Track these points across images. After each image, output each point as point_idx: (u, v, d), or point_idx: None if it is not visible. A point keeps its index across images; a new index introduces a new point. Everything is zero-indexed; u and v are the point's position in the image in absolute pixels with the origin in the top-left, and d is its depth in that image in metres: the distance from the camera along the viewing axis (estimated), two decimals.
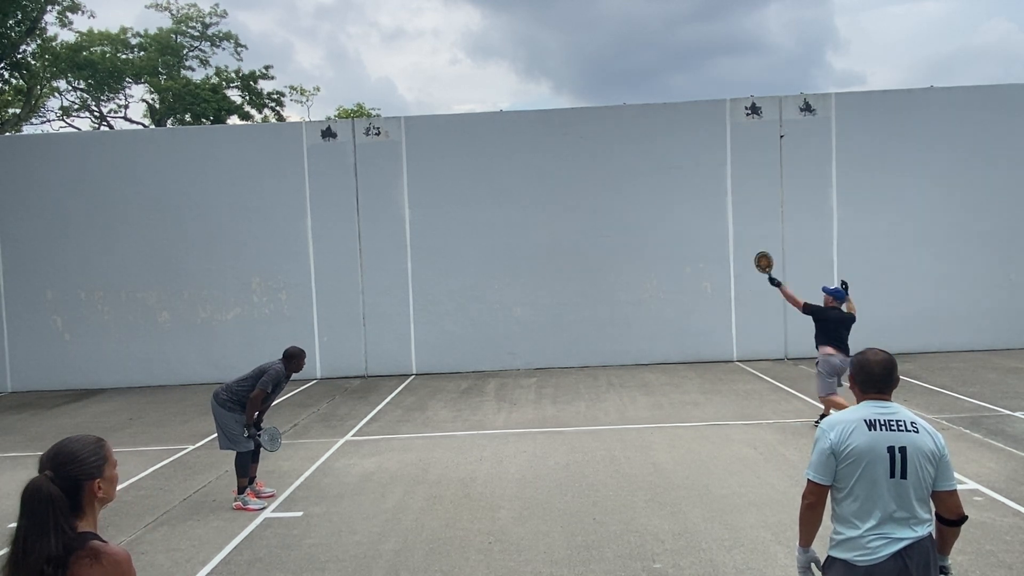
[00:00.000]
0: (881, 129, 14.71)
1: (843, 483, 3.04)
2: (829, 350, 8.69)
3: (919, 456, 2.99)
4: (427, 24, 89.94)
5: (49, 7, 24.22)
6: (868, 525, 2.98)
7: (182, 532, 6.49)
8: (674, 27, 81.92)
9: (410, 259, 15.10)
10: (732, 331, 14.88)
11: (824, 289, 9.11)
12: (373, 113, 37.22)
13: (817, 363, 8.85)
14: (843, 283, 9.18)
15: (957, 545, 5.43)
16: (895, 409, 3.09)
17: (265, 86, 34.33)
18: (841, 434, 3.04)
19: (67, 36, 28.43)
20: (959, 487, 6.54)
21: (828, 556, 3.11)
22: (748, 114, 14.84)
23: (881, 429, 3.02)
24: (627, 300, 14.98)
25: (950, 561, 3.20)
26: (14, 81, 26.83)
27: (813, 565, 3.20)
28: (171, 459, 9.08)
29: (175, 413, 12.14)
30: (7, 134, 24.36)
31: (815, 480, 3.08)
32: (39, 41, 25.76)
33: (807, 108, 14.79)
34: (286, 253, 15.11)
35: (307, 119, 21.40)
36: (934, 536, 3.06)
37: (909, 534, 2.96)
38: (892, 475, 2.97)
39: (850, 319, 8.87)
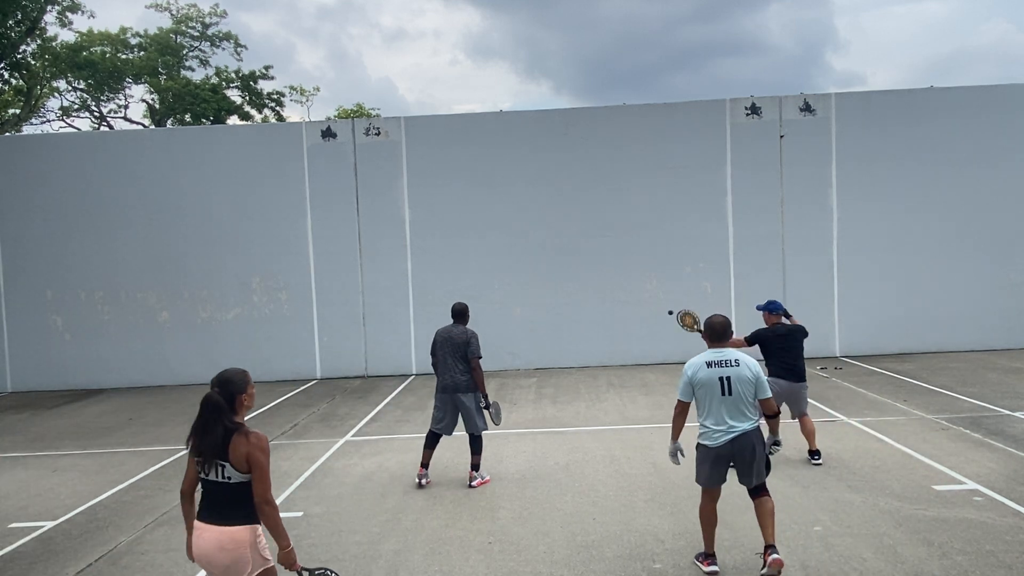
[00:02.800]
0: (881, 129, 14.71)
1: (699, 401, 5.08)
2: (779, 381, 7.64)
3: (739, 381, 4.97)
4: (428, 25, 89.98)
5: (49, 7, 24.22)
6: (712, 423, 5.04)
7: (182, 532, 6.47)
8: (674, 28, 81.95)
9: (410, 259, 15.10)
10: (732, 331, 14.86)
11: (759, 307, 8.23)
12: (373, 113, 37.23)
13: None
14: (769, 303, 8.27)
15: (956, 545, 5.46)
16: (726, 353, 5.08)
17: (265, 86, 34.37)
18: (694, 371, 5.04)
19: (67, 36, 28.46)
20: (959, 487, 6.57)
21: (697, 443, 5.18)
22: (748, 114, 14.84)
23: (715, 367, 5.00)
24: (627, 300, 14.98)
25: (780, 437, 6.21)
26: (14, 81, 26.83)
27: (679, 452, 5.34)
28: (171, 459, 9.08)
29: (175, 413, 12.13)
30: (7, 134, 24.36)
31: (681, 399, 5.18)
32: (39, 41, 25.76)
33: (807, 108, 14.79)
34: (286, 253, 15.11)
35: (307, 119, 21.40)
36: (760, 429, 5.12)
37: (739, 426, 4.98)
38: (723, 394, 4.97)
39: (800, 332, 7.97)
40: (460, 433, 9.72)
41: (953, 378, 12.00)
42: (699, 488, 5.30)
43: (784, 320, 8.10)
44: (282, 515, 6.69)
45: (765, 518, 5.05)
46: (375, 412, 11.44)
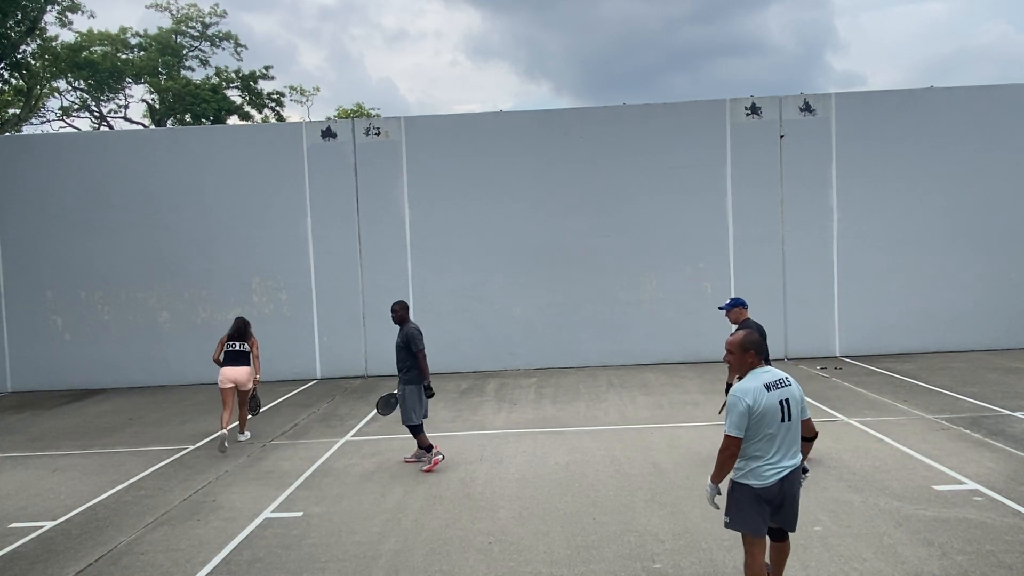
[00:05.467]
0: (881, 129, 14.71)
1: (755, 432, 4.12)
2: None
3: (795, 402, 4.19)
4: (429, 26, 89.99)
5: (49, 7, 24.20)
6: (767, 458, 4.14)
7: (182, 532, 6.49)
8: (674, 28, 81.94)
9: (410, 259, 15.09)
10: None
11: (730, 306, 7.86)
12: (373, 113, 37.23)
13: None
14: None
15: (956, 545, 5.46)
16: (773, 370, 4.26)
17: (265, 86, 34.37)
18: (756, 398, 4.09)
19: (67, 36, 28.48)
20: (959, 487, 6.56)
21: (733, 482, 4.25)
22: (748, 114, 14.84)
23: (775, 389, 4.16)
24: (627, 300, 14.98)
25: (807, 464, 4.58)
26: (14, 81, 26.83)
27: (716, 499, 4.39)
28: (171, 459, 9.08)
29: (175, 413, 12.13)
30: (7, 134, 24.36)
31: (737, 436, 4.11)
32: (39, 41, 25.75)
33: (807, 108, 14.79)
34: (286, 253, 15.11)
35: (307, 119, 21.40)
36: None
37: (789, 462, 4.18)
38: (783, 420, 4.13)
39: (762, 330, 7.48)
40: (460, 433, 9.74)
41: (953, 378, 12.00)
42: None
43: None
44: (282, 515, 6.74)
45: (782, 561, 4.65)
46: (375, 412, 11.42)
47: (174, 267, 15.17)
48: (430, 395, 8.16)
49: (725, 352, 4.36)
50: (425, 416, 8.20)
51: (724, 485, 4.36)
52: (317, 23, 74.61)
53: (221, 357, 9.45)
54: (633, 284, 14.98)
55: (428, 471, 7.91)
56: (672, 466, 7.76)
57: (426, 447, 8.09)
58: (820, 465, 7.58)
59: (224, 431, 9.19)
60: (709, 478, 4.38)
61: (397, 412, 8.32)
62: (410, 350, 8.08)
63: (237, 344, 9.52)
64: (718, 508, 4.46)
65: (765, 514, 4.23)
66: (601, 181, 14.94)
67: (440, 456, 8.10)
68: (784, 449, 4.16)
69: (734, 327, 8.06)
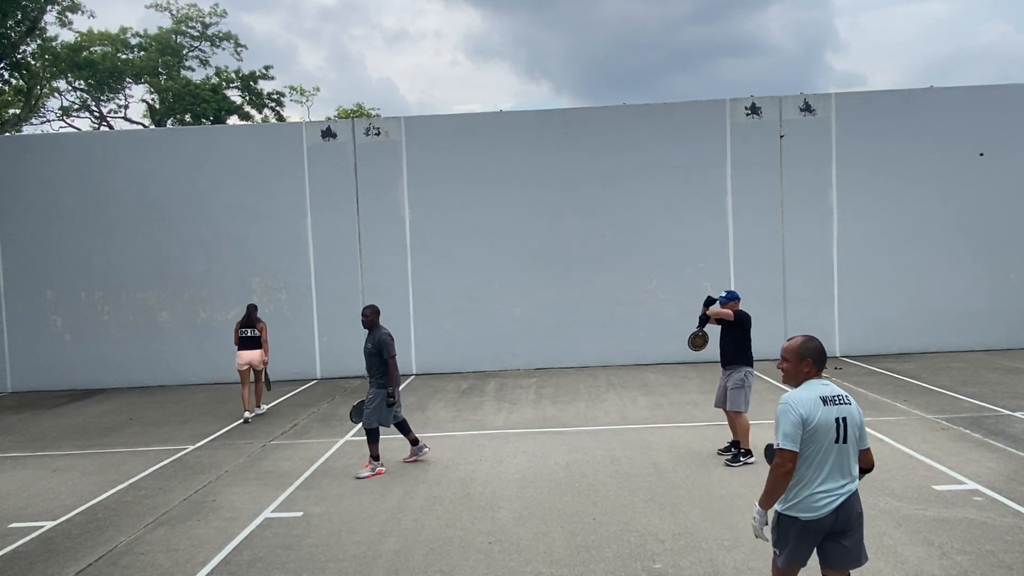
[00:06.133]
0: (881, 129, 14.70)
1: (804, 450, 3.60)
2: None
3: (853, 424, 3.67)
4: (429, 26, 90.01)
5: (49, 7, 24.21)
6: (817, 484, 3.60)
7: (182, 532, 6.49)
8: (674, 29, 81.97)
9: (410, 259, 15.09)
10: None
11: (725, 298, 8.17)
12: (373, 113, 37.22)
13: (747, 376, 7.89)
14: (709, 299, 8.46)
15: (956, 545, 5.46)
16: (831, 384, 3.75)
17: (265, 86, 34.37)
18: (810, 410, 3.59)
19: (67, 36, 28.47)
20: (959, 487, 6.56)
21: (778, 513, 3.73)
22: (748, 114, 14.84)
23: (832, 404, 3.64)
24: (627, 300, 14.97)
25: None
26: (14, 81, 26.83)
27: (764, 529, 3.83)
28: (171, 459, 9.08)
29: (175, 413, 12.14)
30: (7, 134, 24.35)
31: (793, 449, 3.57)
32: (39, 41, 25.76)
33: (807, 108, 14.79)
34: (286, 253, 15.10)
35: (307, 119, 21.40)
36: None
37: (846, 487, 3.64)
38: (837, 441, 3.61)
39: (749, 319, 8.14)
40: (460, 433, 9.74)
41: (953, 378, 11.99)
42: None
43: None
44: (282, 515, 6.74)
45: None
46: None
47: (174, 267, 15.17)
48: (390, 403, 7.97)
49: (779, 359, 3.86)
50: (386, 424, 8.05)
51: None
52: (317, 23, 74.66)
53: (237, 342, 11.33)
54: (633, 284, 14.97)
55: (368, 477, 7.80)
56: (672, 466, 7.76)
57: (375, 456, 7.98)
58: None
59: (247, 411, 11.10)
60: (756, 503, 3.80)
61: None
62: (382, 355, 7.93)
63: (248, 330, 11.27)
64: (767, 540, 3.84)
65: (810, 548, 3.71)
66: (601, 181, 14.93)
67: (383, 468, 7.98)
68: (837, 474, 3.61)
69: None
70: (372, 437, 8.00)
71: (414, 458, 8.34)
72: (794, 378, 3.78)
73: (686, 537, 5.82)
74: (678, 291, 14.92)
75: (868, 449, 3.80)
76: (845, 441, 3.63)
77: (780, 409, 3.65)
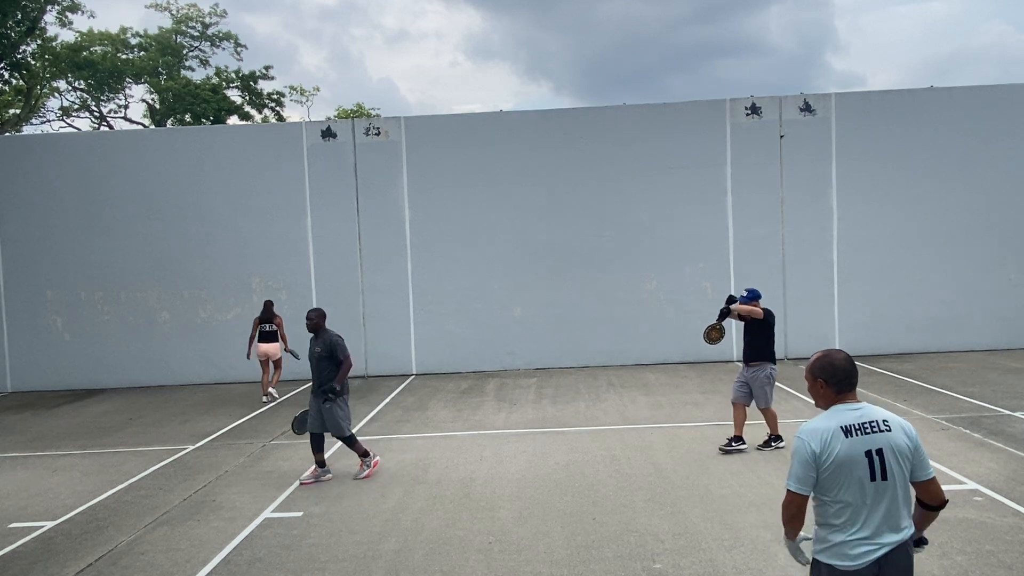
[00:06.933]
0: (881, 129, 14.70)
1: (827, 492, 3.04)
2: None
3: (896, 455, 3.02)
4: (429, 26, 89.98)
5: (49, 7, 24.21)
6: (853, 531, 3.01)
7: (182, 532, 6.49)
8: (674, 29, 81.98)
9: (410, 259, 15.09)
10: (732, 331, 14.86)
11: (746, 298, 8.42)
12: (373, 113, 37.23)
13: (772, 373, 8.21)
14: (730, 297, 8.70)
15: (956, 545, 5.44)
16: (865, 409, 3.10)
17: (265, 86, 34.37)
18: (822, 444, 3.02)
19: (67, 36, 28.48)
20: (959, 487, 6.51)
21: (814, 559, 3.18)
22: (748, 114, 14.84)
23: (857, 434, 3.02)
24: (627, 300, 14.97)
25: (924, 535, 3.28)
26: (14, 81, 26.82)
27: (802, 544, 3.27)
28: (171, 459, 9.08)
29: (175, 413, 12.14)
30: (7, 134, 24.35)
31: (798, 492, 3.08)
32: (39, 41, 25.76)
33: (807, 108, 14.79)
34: (286, 253, 15.10)
35: (307, 119, 21.39)
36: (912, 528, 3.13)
37: (891, 538, 3.01)
38: (873, 478, 2.99)
39: (772, 315, 8.48)
40: (460, 433, 9.74)
41: (953, 378, 11.99)
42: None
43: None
44: (282, 515, 6.73)
45: None
46: (375, 412, 11.44)
47: (174, 267, 15.16)
48: (326, 400, 7.61)
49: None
50: (306, 430, 7.83)
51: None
52: (318, 23, 74.68)
53: (257, 335, 12.67)
54: (633, 284, 14.97)
55: (368, 474, 7.76)
56: (672, 466, 7.76)
57: (363, 453, 7.86)
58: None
59: (264, 396, 12.61)
60: (784, 536, 3.34)
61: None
62: (335, 359, 7.66)
63: (267, 325, 12.66)
64: (807, 563, 3.27)
65: None
66: (601, 181, 14.94)
67: (378, 458, 7.94)
68: (878, 519, 2.99)
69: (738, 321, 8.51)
70: (351, 441, 7.81)
71: (313, 480, 7.73)
72: (818, 401, 3.23)
73: (686, 537, 5.82)
74: (678, 291, 14.93)
75: (932, 479, 3.13)
76: (885, 478, 3.00)
77: (793, 444, 3.15)
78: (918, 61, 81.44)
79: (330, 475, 7.88)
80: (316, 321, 7.82)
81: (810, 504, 3.16)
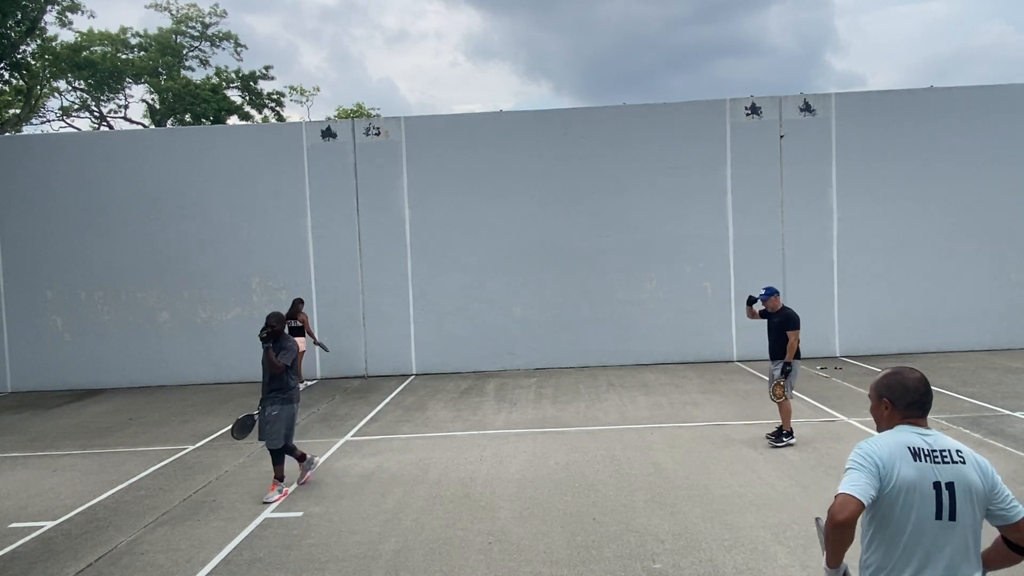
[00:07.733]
0: (881, 129, 14.70)
1: (880, 522, 2.57)
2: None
3: (969, 493, 2.53)
4: (429, 26, 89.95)
5: (49, 7, 24.22)
6: (908, 569, 2.53)
7: (182, 532, 6.49)
8: (674, 29, 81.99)
9: (410, 259, 15.09)
10: (732, 331, 14.87)
11: (765, 295, 8.72)
12: (373, 113, 37.23)
13: (795, 368, 8.63)
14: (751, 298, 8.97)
15: None
16: (936, 436, 2.65)
17: (265, 86, 34.38)
18: (891, 461, 2.54)
19: (67, 36, 28.48)
20: None
21: None
22: (748, 114, 14.84)
23: (926, 460, 2.54)
24: (627, 300, 14.97)
25: None
26: (14, 81, 26.83)
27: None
28: (171, 459, 9.08)
29: (175, 413, 12.14)
30: (7, 134, 24.36)
31: (858, 497, 2.49)
32: (39, 41, 25.76)
33: (807, 108, 14.79)
34: (286, 253, 15.10)
35: (307, 119, 21.40)
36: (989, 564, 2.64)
37: None
38: (939, 516, 2.50)
39: (797, 318, 8.75)
40: (460, 433, 9.74)
41: (953, 378, 12.00)
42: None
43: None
44: (282, 515, 6.73)
45: None
46: (375, 412, 11.44)
47: (174, 267, 15.16)
48: (273, 406, 7.37)
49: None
50: (278, 442, 7.43)
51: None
52: (318, 24, 74.69)
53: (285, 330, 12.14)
54: (633, 284, 14.97)
55: (277, 501, 7.15)
56: (672, 466, 7.76)
57: (300, 456, 7.65)
58: (820, 465, 7.59)
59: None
60: (824, 563, 2.67)
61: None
62: (292, 365, 7.46)
63: (292, 322, 13.03)
64: None
65: None
66: (601, 181, 14.94)
67: (288, 490, 7.41)
68: (940, 563, 2.50)
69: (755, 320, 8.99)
70: (291, 449, 7.53)
71: (279, 498, 7.26)
72: (880, 424, 2.82)
73: (686, 537, 5.82)
74: (678, 291, 14.93)
75: (1019, 523, 2.57)
76: (953, 518, 2.50)
77: (851, 457, 2.67)
78: (918, 61, 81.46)
79: (317, 459, 8.06)
80: (277, 328, 7.45)
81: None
